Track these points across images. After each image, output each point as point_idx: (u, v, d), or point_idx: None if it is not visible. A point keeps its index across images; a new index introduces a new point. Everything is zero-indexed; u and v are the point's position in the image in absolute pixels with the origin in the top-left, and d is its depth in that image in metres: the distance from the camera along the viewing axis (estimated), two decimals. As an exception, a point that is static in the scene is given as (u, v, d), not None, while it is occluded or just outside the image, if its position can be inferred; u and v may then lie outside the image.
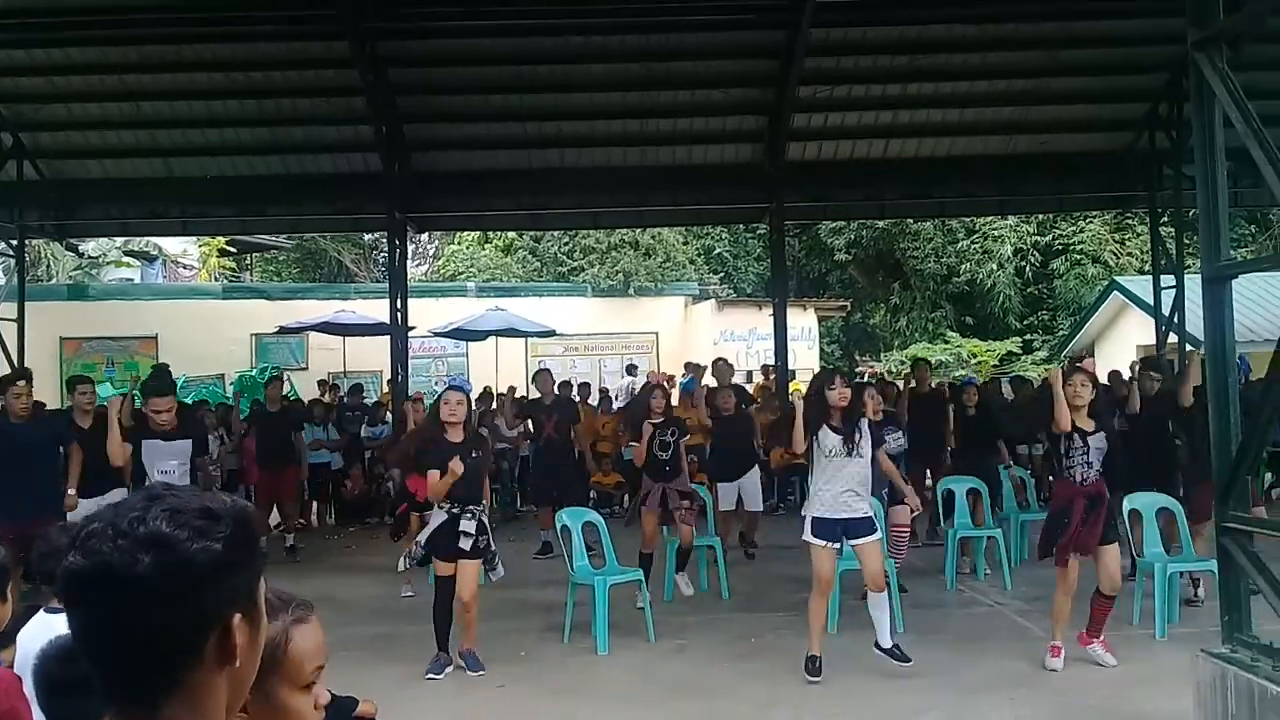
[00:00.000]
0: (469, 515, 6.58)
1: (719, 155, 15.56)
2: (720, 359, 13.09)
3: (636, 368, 18.83)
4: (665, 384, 9.67)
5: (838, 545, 6.36)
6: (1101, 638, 6.48)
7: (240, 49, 13.74)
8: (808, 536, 6.39)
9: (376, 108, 14.18)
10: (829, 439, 6.37)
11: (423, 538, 6.82)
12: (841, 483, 6.32)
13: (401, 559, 7.42)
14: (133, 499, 1.20)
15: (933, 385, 12.27)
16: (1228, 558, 5.18)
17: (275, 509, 11.39)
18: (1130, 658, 6.47)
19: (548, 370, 12.69)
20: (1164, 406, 9.18)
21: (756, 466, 10.46)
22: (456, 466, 6.36)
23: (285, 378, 13.33)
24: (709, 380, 13.30)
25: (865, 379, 21.11)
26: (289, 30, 13.53)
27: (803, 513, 6.63)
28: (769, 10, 13.46)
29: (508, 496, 13.60)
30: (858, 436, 6.36)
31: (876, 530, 6.44)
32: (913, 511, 8.08)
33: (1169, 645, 6.64)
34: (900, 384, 12.33)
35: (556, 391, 12.24)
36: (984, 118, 15.12)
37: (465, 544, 6.55)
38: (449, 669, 6.61)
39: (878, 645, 6.35)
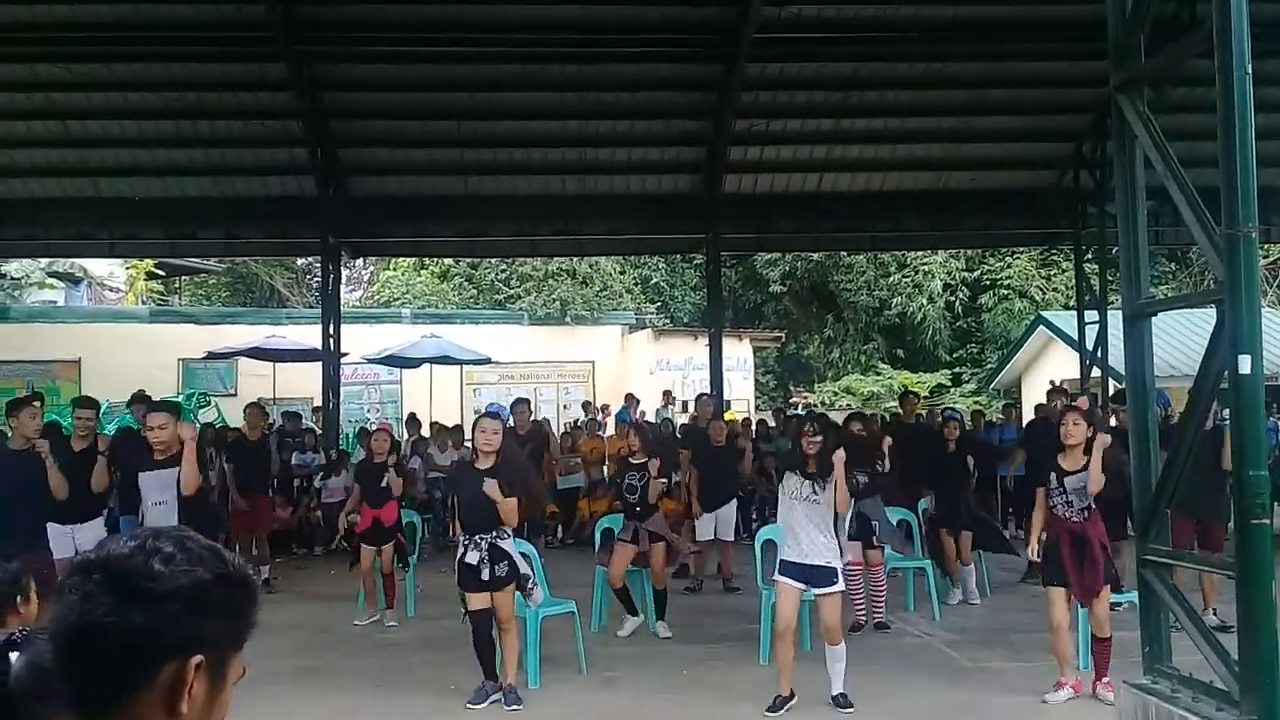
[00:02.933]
0: (473, 545, 6.48)
1: (656, 185, 15.66)
2: (703, 394, 13.26)
3: (589, 404, 18.77)
4: (638, 423, 9.68)
5: (802, 586, 6.32)
6: (1106, 680, 6.38)
7: (173, 69, 13.54)
8: (776, 575, 6.38)
9: (311, 131, 14.06)
10: (793, 483, 6.34)
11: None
12: (804, 528, 6.26)
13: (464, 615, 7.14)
14: (160, 528, 1.29)
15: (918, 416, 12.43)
16: (1149, 589, 5.28)
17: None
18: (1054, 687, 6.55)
19: (525, 400, 12.69)
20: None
21: (735, 500, 10.50)
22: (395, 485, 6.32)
23: (259, 403, 13.06)
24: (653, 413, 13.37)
25: (799, 409, 21.34)
26: (224, 51, 13.38)
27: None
28: (706, 44, 13.62)
29: (440, 526, 13.42)
30: (825, 482, 6.28)
31: (838, 583, 6.33)
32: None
33: (1091, 675, 6.73)
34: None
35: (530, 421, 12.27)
36: (916, 154, 15.43)
37: (484, 575, 6.42)
38: (494, 697, 6.47)
39: (831, 694, 6.32)
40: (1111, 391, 15.42)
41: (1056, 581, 6.39)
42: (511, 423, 11.65)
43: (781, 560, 6.37)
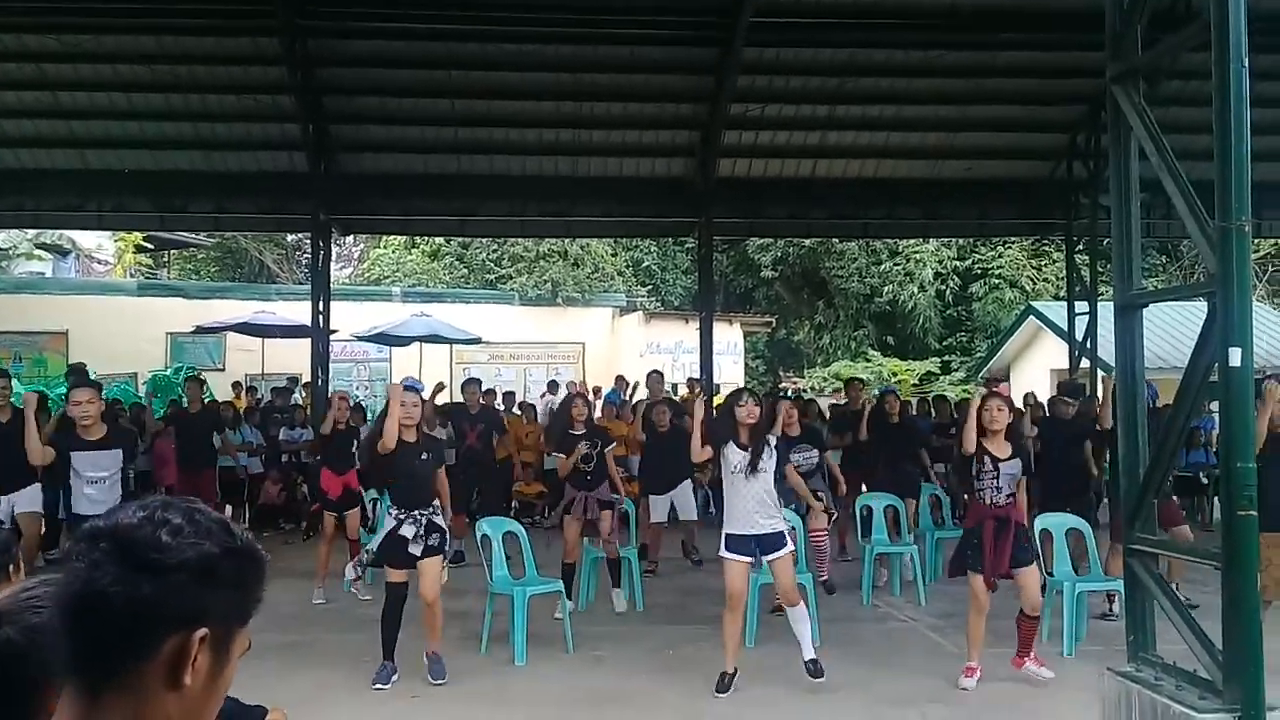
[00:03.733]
0: (411, 520, 6.51)
1: (650, 168, 15.63)
2: (654, 371, 13.14)
3: (558, 384, 18.75)
4: (585, 394, 9.69)
5: (751, 560, 6.38)
6: (1033, 654, 6.56)
7: (165, 41, 13.44)
8: (722, 552, 6.44)
9: (304, 107, 13.98)
10: (734, 456, 6.41)
11: (374, 544, 6.74)
12: (748, 500, 6.36)
13: (349, 568, 7.25)
14: (174, 499, 1.29)
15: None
16: (1134, 578, 5.31)
17: None
18: (1055, 679, 6.60)
19: (477, 380, 12.62)
20: (1080, 429, 9.41)
21: (689, 480, 10.52)
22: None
23: (202, 379, 13.02)
24: (640, 394, 13.31)
25: (787, 394, 21.36)
26: (216, 25, 13.28)
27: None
28: (703, 26, 13.56)
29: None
30: (764, 455, 6.39)
31: (788, 544, 6.44)
32: (830, 517, 8.33)
33: (1077, 662, 6.80)
34: (819, 401, 12.50)
35: (482, 401, 12.20)
36: (910, 142, 15.42)
37: (414, 549, 6.48)
38: (395, 678, 6.50)
39: (804, 659, 6.38)
40: (1058, 381, 15.48)
41: (976, 568, 6.48)
42: (462, 401, 11.76)
43: (727, 535, 6.43)
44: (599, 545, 8.70)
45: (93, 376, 13.15)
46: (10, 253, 23.54)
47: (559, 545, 8.82)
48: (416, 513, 6.55)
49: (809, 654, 6.37)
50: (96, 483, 6.67)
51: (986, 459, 6.53)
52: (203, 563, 1.19)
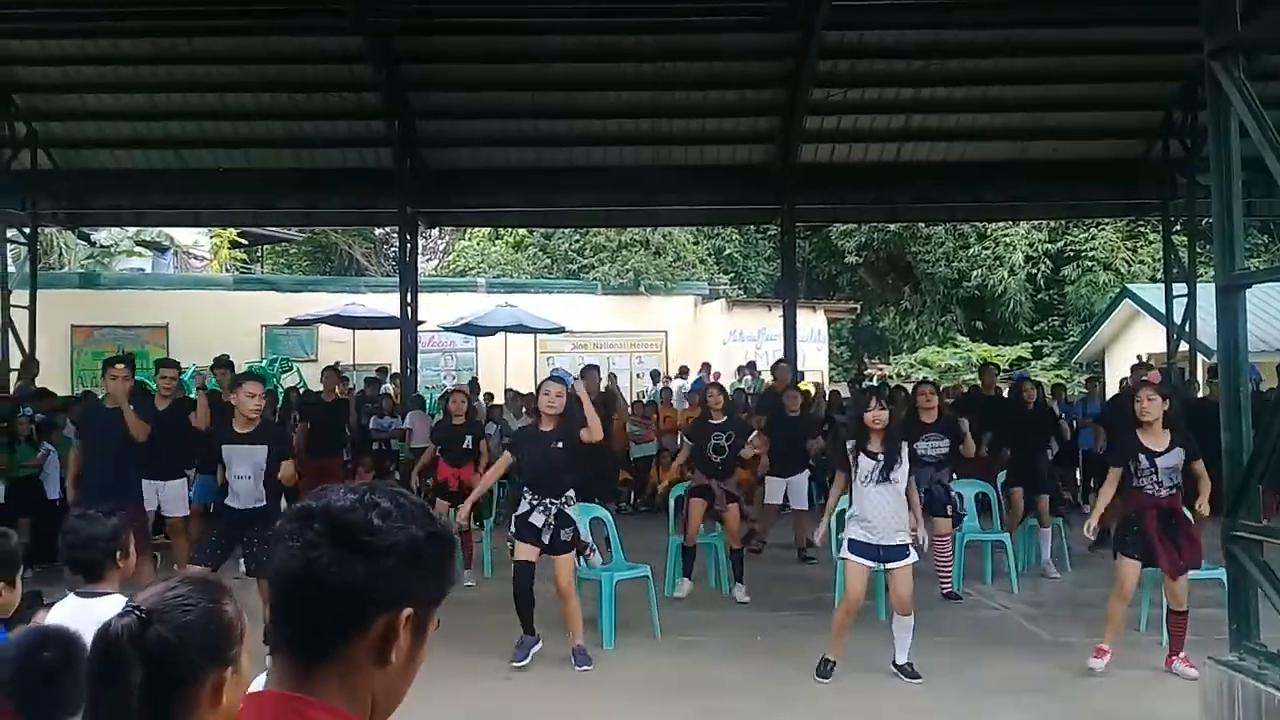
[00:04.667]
0: (541, 508, 6.61)
1: (731, 156, 15.57)
2: (781, 361, 13.24)
3: (659, 374, 18.85)
4: (720, 384, 9.75)
5: (873, 564, 6.30)
6: (1182, 654, 6.33)
7: (254, 42, 13.81)
8: (845, 553, 6.35)
9: (389, 103, 14.23)
10: (865, 464, 6.27)
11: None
12: (879, 509, 6.22)
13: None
14: (377, 483, 1.34)
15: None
16: (1237, 566, 5.18)
17: None
18: (1138, 663, 6.47)
19: (596, 367, 12.77)
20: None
21: (806, 470, 10.51)
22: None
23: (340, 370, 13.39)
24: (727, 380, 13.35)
25: (874, 380, 21.16)
26: (302, 24, 13.58)
27: (841, 535, 6.63)
28: (782, 11, 13.45)
29: (517, 491, 13.60)
30: (896, 461, 6.24)
31: (911, 556, 6.28)
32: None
33: (1169, 650, 6.62)
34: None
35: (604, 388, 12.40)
36: (997, 123, 15.11)
37: (545, 537, 6.57)
38: (535, 649, 6.63)
39: (894, 663, 6.32)
40: (1201, 366, 15.05)
41: (1135, 554, 6.29)
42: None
43: (850, 540, 6.32)
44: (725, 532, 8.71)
45: (190, 369, 13.61)
46: (112, 250, 24.39)
47: (643, 533, 8.90)
48: (548, 501, 6.63)
49: (902, 658, 6.30)
50: (242, 478, 6.76)
51: (1141, 456, 6.29)
52: (410, 546, 1.24)
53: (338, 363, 14.79)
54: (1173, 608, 6.36)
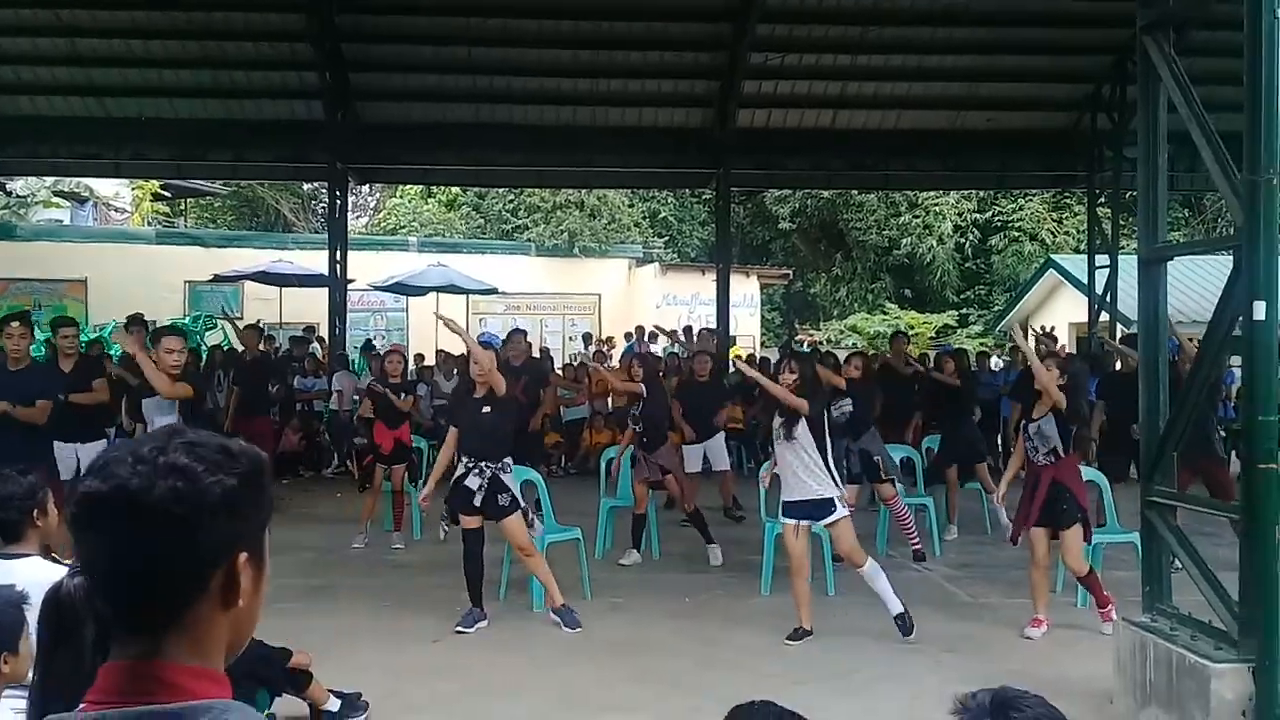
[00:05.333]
0: (476, 471, 6.57)
1: (669, 119, 15.53)
2: (706, 328, 13.24)
3: (591, 337, 18.82)
4: (640, 354, 9.74)
5: (807, 523, 6.41)
6: (1105, 609, 6.52)
7: (182, -13, 13.38)
8: (780, 517, 6.48)
9: (322, 54, 13.91)
10: (774, 421, 6.46)
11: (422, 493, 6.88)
12: (788, 465, 6.39)
13: (441, 526, 7.33)
14: (155, 433, 1.24)
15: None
16: (1151, 530, 5.33)
17: None
18: (1054, 624, 6.65)
19: (523, 331, 12.63)
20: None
21: (722, 431, 10.58)
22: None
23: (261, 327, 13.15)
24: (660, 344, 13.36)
25: (805, 346, 21.36)
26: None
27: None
28: (723, -27, 13.41)
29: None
30: (795, 421, 6.37)
31: (838, 508, 6.40)
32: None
33: (1091, 613, 6.82)
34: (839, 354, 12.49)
35: (534, 355, 12.30)
36: (933, 92, 15.27)
37: (477, 500, 6.53)
38: (482, 623, 6.60)
39: (891, 614, 6.43)
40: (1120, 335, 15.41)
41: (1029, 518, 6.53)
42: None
43: (783, 502, 6.48)
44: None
45: (110, 325, 13.27)
46: (29, 200, 23.59)
47: (574, 495, 8.90)
48: (483, 464, 6.59)
49: (896, 608, 6.41)
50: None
51: (1023, 422, 6.60)
52: (225, 498, 1.18)
53: (259, 320, 14.54)
54: (1074, 571, 6.58)
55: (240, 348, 12.24)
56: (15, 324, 7.48)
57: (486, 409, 6.67)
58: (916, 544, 8.75)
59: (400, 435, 9.27)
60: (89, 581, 1.21)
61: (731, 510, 10.44)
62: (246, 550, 1.21)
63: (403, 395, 9.41)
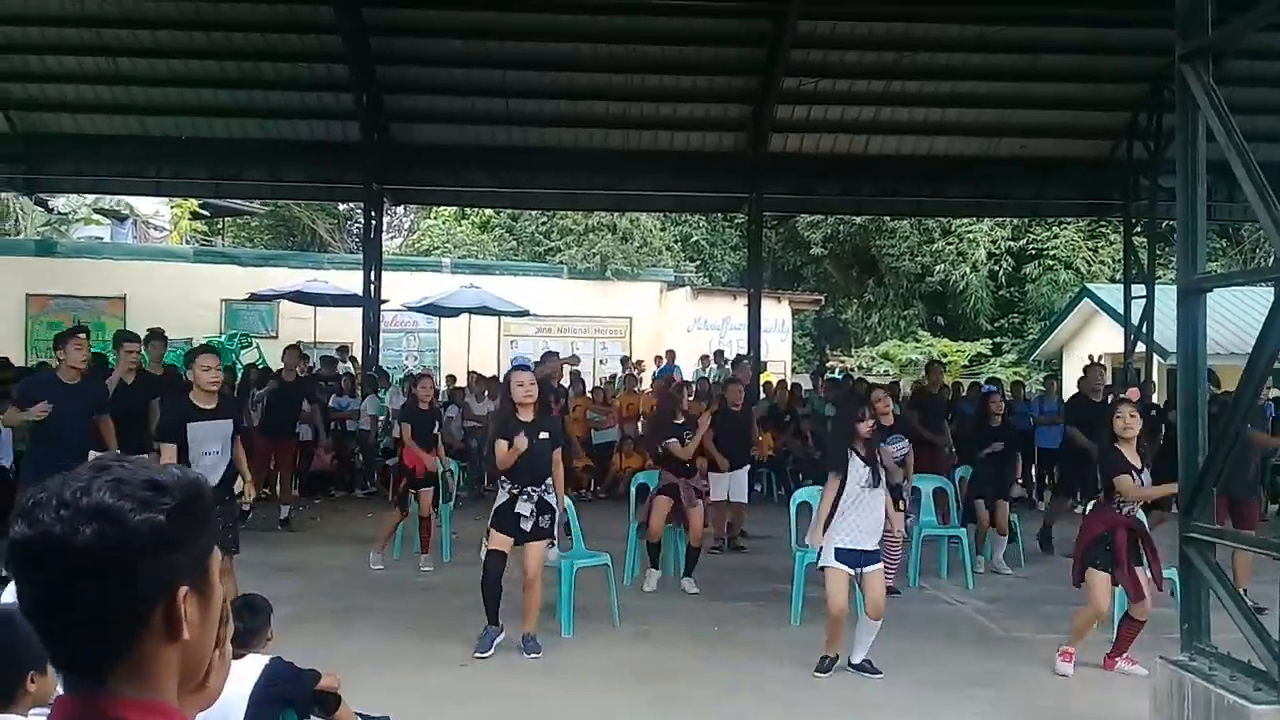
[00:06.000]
0: (526, 497, 6.53)
1: (701, 142, 15.55)
2: (742, 355, 13.22)
3: (627, 359, 18.87)
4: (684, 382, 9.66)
5: (852, 570, 6.30)
6: (1126, 655, 6.43)
7: (222, 8, 13.59)
8: (829, 562, 6.28)
9: (358, 76, 14.06)
10: (859, 470, 6.27)
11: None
12: (867, 514, 6.25)
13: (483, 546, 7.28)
14: (81, 469, 1.19)
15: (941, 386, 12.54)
16: (1190, 567, 5.24)
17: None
18: (1088, 661, 6.54)
19: (556, 354, 12.64)
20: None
21: (747, 465, 10.52)
22: (520, 442, 6.37)
23: (299, 345, 13.24)
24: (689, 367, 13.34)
25: (836, 372, 21.27)
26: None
27: (806, 540, 6.64)
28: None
29: (476, 475, 13.57)
30: (880, 465, 6.32)
31: (879, 559, 6.36)
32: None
33: (1131, 653, 6.70)
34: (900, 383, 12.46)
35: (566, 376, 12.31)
36: (966, 119, 15.21)
37: (525, 525, 6.50)
38: (499, 640, 6.57)
39: (850, 662, 6.34)
40: (1157, 368, 15.26)
41: (1104, 568, 6.30)
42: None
43: (837, 548, 6.25)
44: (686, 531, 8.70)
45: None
46: (69, 217, 23.95)
47: (604, 520, 8.86)
48: (530, 489, 6.56)
49: (859, 657, 6.31)
50: (210, 454, 6.51)
51: (1133, 473, 6.30)
52: (157, 536, 1.14)
53: (299, 341, 14.65)
54: (1133, 615, 6.39)
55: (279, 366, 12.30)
56: (81, 335, 7.55)
57: (543, 434, 6.62)
58: (890, 579, 8.59)
59: (429, 460, 9.27)
60: (31, 624, 1.17)
61: (735, 540, 10.37)
62: (187, 583, 1.18)
63: (435, 422, 9.48)
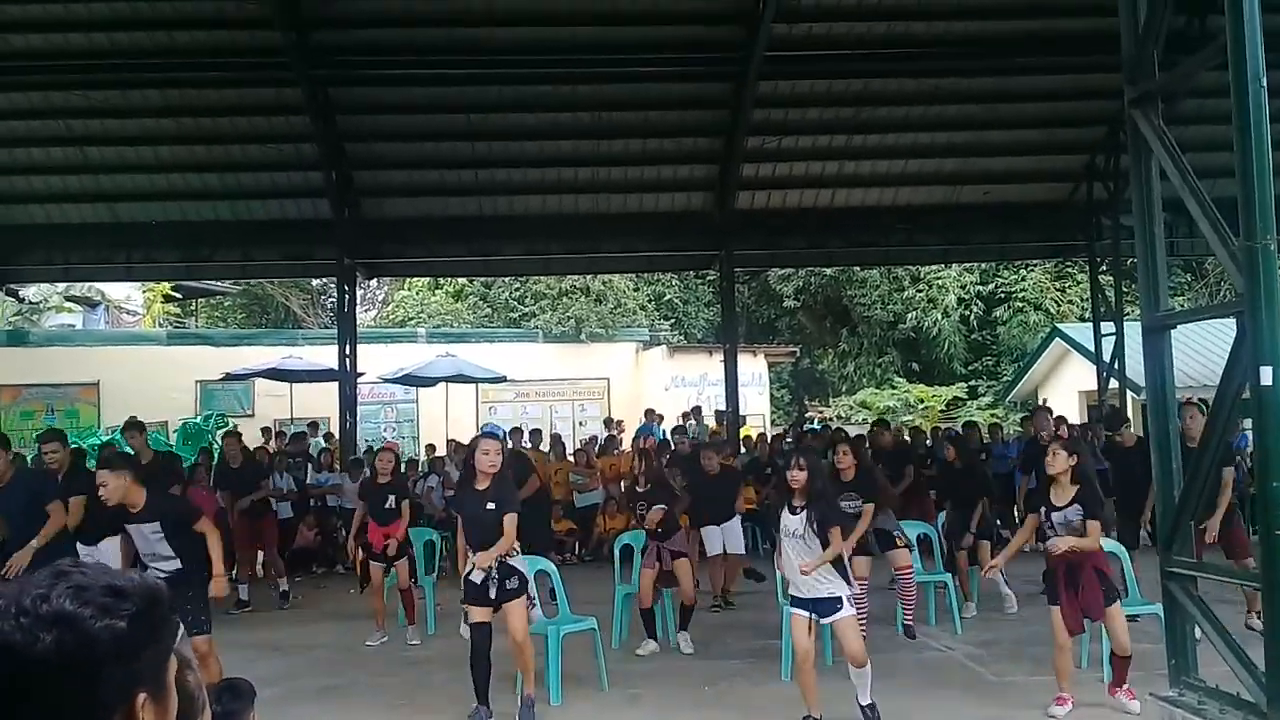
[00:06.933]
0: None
1: (670, 203, 15.73)
2: (719, 410, 13.21)
3: (611, 420, 18.88)
4: (646, 450, 9.66)
5: (815, 617, 6.24)
6: (1126, 686, 6.37)
7: (189, 95, 13.71)
8: (788, 608, 6.32)
9: (326, 154, 14.18)
10: (789, 521, 6.29)
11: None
12: (793, 564, 6.22)
13: (462, 625, 7.20)
14: (39, 575, 1.18)
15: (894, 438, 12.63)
16: (1173, 601, 5.27)
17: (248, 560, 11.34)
18: (1080, 701, 6.52)
19: (519, 429, 12.64)
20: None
21: (738, 516, 10.51)
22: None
23: (238, 432, 13.16)
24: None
25: (815, 423, 21.33)
26: (239, 77, 13.54)
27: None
28: (717, 62, 13.69)
29: (454, 546, 13.44)
30: (812, 519, 6.23)
31: (845, 607, 6.24)
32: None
33: (1112, 682, 6.69)
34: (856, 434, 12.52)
35: (510, 445, 12.25)
36: (928, 168, 15.47)
37: (491, 591, 6.45)
38: None
39: (859, 701, 6.31)
40: (1131, 404, 15.37)
41: (1054, 601, 6.37)
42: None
43: (791, 595, 6.33)
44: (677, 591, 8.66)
45: (116, 433, 13.26)
46: (41, 306, 23.88)
47: (589, 583, 8.79)
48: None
49: (865, 698, 6.29)
50: (148, 554, 6.42)
51: (1043, 509, 6.37)
52: (116, 644, 1.14)
53: (235, 426, 14.58)
54: (1115, 651, 6.41)
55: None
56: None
57: (490, 505, 6.64)
58: (910, 619, 8.63)
59: (391, 532, 9.15)
60: None
61: (726, 597, 10.32)
62: (145, 690, 1.17)
63: (390, 496, 9.32)
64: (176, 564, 6.39)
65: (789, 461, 6.56)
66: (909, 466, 11.41)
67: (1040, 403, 13.42)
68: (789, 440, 15.29)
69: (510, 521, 6.51)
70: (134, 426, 10.63)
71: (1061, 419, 13.51)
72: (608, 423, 18.45)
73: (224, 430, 12.93)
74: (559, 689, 7.01)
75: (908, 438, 14.07)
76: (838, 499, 7.20)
